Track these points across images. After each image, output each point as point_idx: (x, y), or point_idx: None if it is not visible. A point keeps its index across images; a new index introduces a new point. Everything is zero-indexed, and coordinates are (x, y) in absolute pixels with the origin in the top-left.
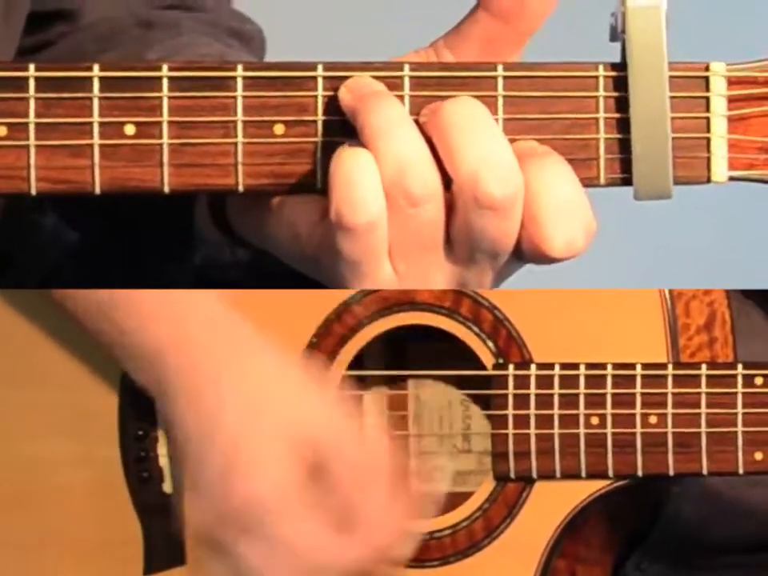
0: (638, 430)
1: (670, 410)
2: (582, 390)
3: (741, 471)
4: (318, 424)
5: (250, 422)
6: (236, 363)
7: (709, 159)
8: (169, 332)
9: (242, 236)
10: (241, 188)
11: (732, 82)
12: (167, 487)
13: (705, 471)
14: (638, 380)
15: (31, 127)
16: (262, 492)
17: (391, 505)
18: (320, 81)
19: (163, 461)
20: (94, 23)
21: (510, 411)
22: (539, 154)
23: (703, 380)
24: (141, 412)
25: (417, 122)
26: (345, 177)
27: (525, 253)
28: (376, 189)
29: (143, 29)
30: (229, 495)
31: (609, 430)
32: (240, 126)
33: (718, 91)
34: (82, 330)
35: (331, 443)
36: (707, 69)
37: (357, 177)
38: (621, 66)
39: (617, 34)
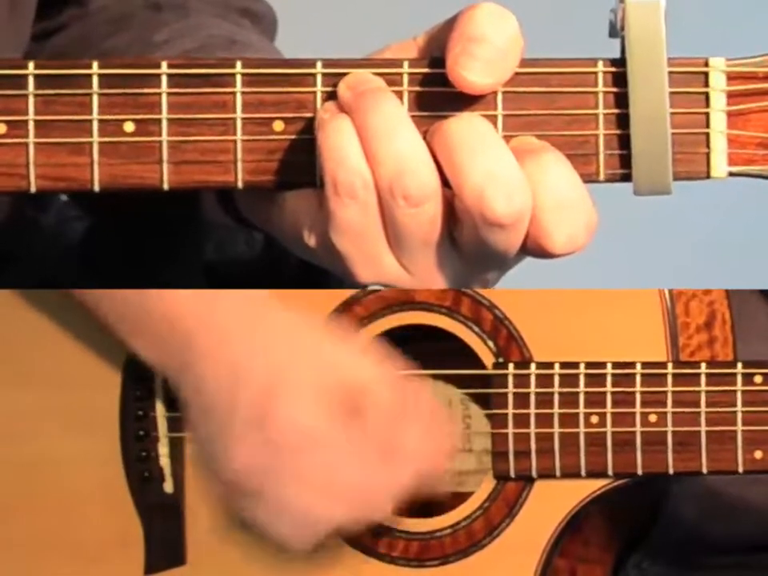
0: (638, 428)
1: (669, 408)
2: (581, 388)
3: (740, 470)
4: (351, 368)
5: (283, 367)
6: (263, 318)
7: (708, 155)
8: (180, 301)
9: (251, 222)
10: (240, 185)
11: (731, 78)
12: (168, 487)
13: (704, 470)
14: (638, 379)
15: (30, 124)
16: (301, 426)
17: (428, 433)
18: (319, 77)
19: (164, 461)
20: (104, 6)
21: (510, 410)
22: (537, 149)
23: (703, 379)
24: (142, 412)
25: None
26: (336, 153)
27: (527, 249)
28: (361, 155)
29: (152, 11)
30: (272, 424)
31: (608, 429)
32: (239, 122)
33: (718, 87)
34: (94, 312)
35: (365, 384)
36: (706, 64)
37: (347, 151)
38: (620, 62)
39: (616, 29)
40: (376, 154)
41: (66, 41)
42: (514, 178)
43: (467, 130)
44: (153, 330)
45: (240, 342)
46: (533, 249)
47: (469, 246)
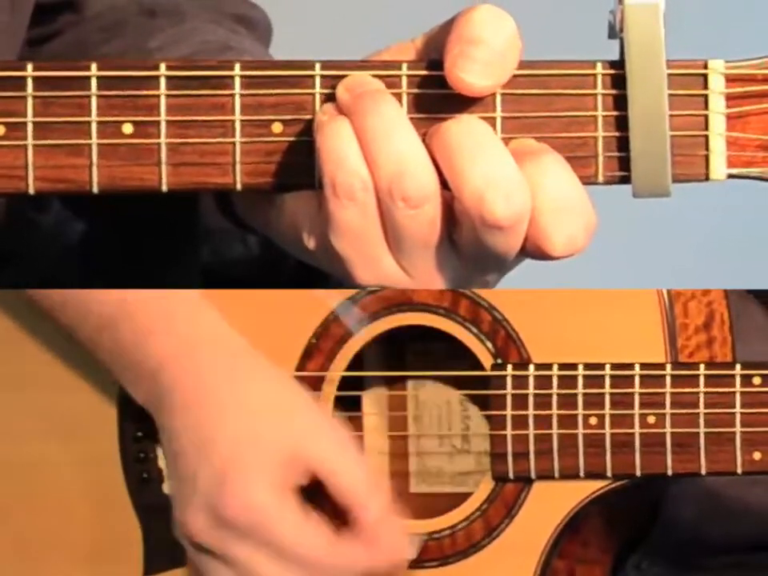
0: (637, 430)
1: (668, 410)
2: (580, 390)
3: (739, 471)
4: (314, 439)
5: (246, 435)
6: (233, 378)
7: (707, 157)
8: (166, 347)
9: (250, 225)
10: (239, 187)
11: (730, 80)
12: (167, 488)
13: (703, 471)
14: (637, 380)
15: (29, 126)
16: (257, 499)
17: (390, 509)
18: (317, 79)
19: (162, 462)
20: (99, 13)
21: (509, 411)
22: (536, 151)
23: (701, 380)
24: (140, 413)
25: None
26: (334, 155)
27: (526, 251)
28: (360, 157)
29: (147, 17)
30: (225, 503)
31: (607, 430)
32: (238, 124)
33: (717, 89)
34: (79, 344)
35: (328, 457)
36: (706, 66)
37: (345, 153)
38: (619, 64)
39: (615, 31)
40: (375, 155)
41: (61, 47)
42: (514, 180)
43: (466, 132)
44: (137, 371)
45: (211, 407)
46: (532, 251)
47: (468, 247)
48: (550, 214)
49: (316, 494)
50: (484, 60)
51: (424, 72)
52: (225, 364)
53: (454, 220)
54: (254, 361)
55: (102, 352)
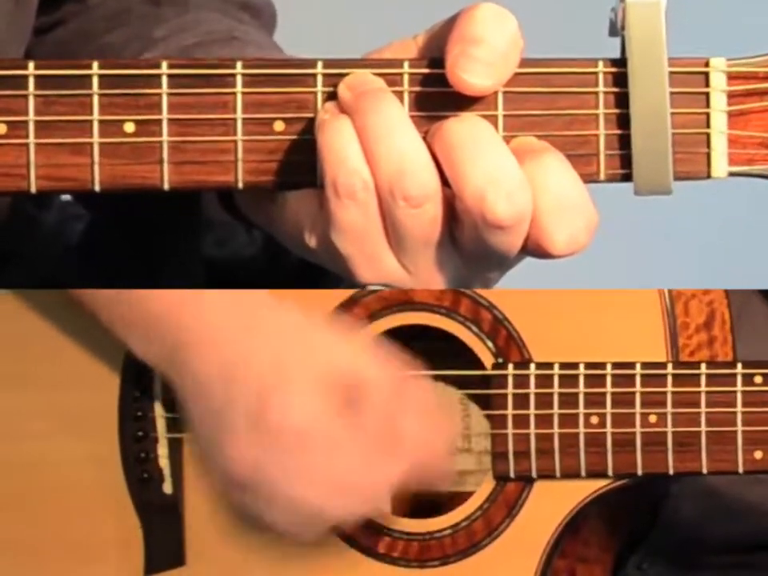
0: (638, 429)
1: (669, 409)
2: (581, 389)
3: (740, 470)
4: (349, 361)
5: (279, 363)
6: (258, 315)
7: (709, 155)
8: (183, 298)
9: (252, 221)
10: (241, 185)
11: (732, 78)
12: (167, 488)
13: (704, 470)
14: (638, 379)
15: (31, 125)
16: (299, 420)
17: (427, 427)
18: (319, 77)
19: (163, 461)
20: (103, 2)
21: (510, 411)
22: (537, 150)
23: (703, 379)
24: (141, 412)
25: (415, 121)
26: (336, 154)
27: (528, 249)
28: (361, 156)
29: (151, 5)
30: (271, 414)
31: (608, 430)
32: (240, 123)
33: (718, 86)
34: (91, 312)
35: (363, 376)
36: (707, 64)
37: (346, 153)
38: (621, 62)
39: (616, 29)
40: (376, 154)
41: (65, 36)
42: (515, 179)
43: (468, 131)
44: (148, 328)
45: (234, 339)
46: (533, 249)
47: (469, 246)
48: (551, 213)
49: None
50: (485, 60)
51: (425, 70)
52: (239, 300)
53: (456, 219)
54: (277, 302)
55: (114, 320)
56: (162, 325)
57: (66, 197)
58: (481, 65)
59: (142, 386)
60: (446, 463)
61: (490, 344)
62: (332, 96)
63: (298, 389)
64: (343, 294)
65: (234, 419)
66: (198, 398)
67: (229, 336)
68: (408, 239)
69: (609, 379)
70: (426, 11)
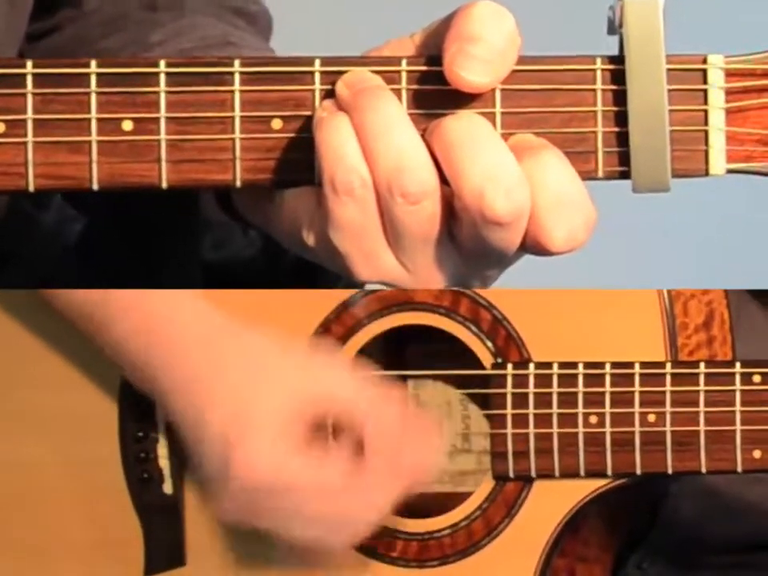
0: (637, 428)
1: (668, 408)
2: (580, 388)
3: (739, 469)
4: (319, 382)
5: (241, 406)
6: (226, 345)
7: (707, 152)
8: (161, 331)
9: (249, 221)
10: (239, 183)
11: (730, 74)
12: (167, 488)
13: (703, 469)
14: (637, 378)
15: (29, 124)
16: (266, 471)
17: (408, 441)
18: (317, 75)
19: (163, 462)
20: (98, 8)
21: (509, 410)
22: (535, 147)
23: (701, 378)
24: (141, 413)
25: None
26: (334, 151)
27: (526, 247)
28: (359, 154)
29: (148, 11)
30: (234, 476)
31: (607, 429)
32: (237, 121)
33: (716, 83)
34: (81, 334)
35: (338, 395)
36: (705, 61)
37: (344, 150)
38: (619, 59)
39: (615, 27)
40: (374, 152)
41: (60, 42)
42: (513, 176)
43: (466, 128)
44: (133, 358)
45: (199, 382)
46: (532, 246)
47: (468, 244)
48: (549, 210)
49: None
50: (483, 57)
51: (423, 68)
52: (207, 338)
53: (454, 216)
54: (236, 329)
55: (102, 342)
56: (145, 358)
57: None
58: (478, 62)
59: None
60: (433, 474)
61: (489, 344)
62: (330, 94)
63: (259, 436)
64: (343, 294)
65: (210, 478)
66: (183, 436)
67: (199, 376)
68: (406, 236)
69: (608, 379)
70: (423, 10)
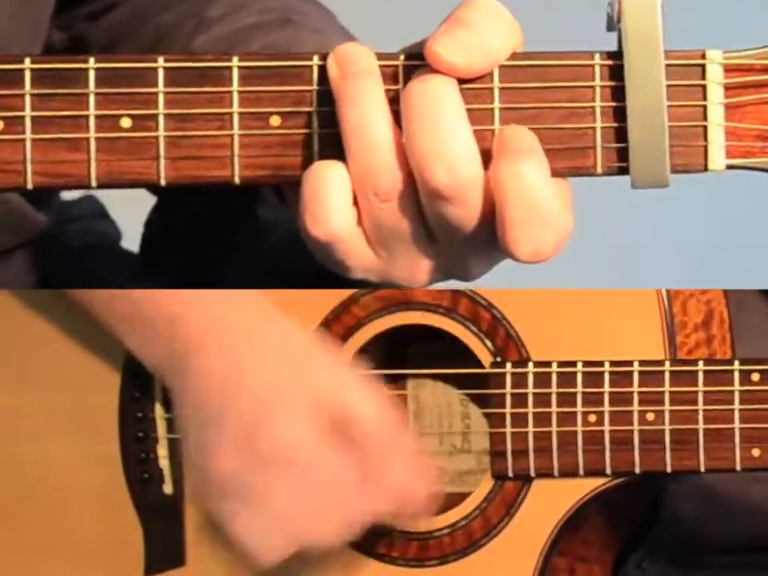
0: (636, 427)
1: (667, 406)
2: (579, 387)
3: (738, 468)
4: (340, 388)
5: (278, 382)
6: (263, 328)
7: (706, 147)
8: (181, 300)
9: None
10: (237, 180)
11: (729, 70)
12: (167, 488)
13: (702, 468)
14: (635, 377)
15: (27, 121)
16: (288, 442)
17: (410, 466)
18: (315, 72)
19: (163, 462)
20: None
21: (508, 410)
22: (518, 151)
23: (700, 377)
24: (141, 413)
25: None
26: (311, 192)
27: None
28: (340, 204)
29: None
30: (263, 437)
31: (606, 428)
32: (236, 117)
33: (715, 79)
34: (90, 311)
35: (353, 404)
36: (703, 57)
37: (321, 193)
38: (617, 55)
39: (613, 23)
40: (350, 150)
41: (119, 18)
42: (460, 149)
43: (422, 95)
44: (154, 329)
45: (238, 351)
46: (503, 249)
47: (430, 221)
48: (518, 223)
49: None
50: (464, 41)
51: (421, 63)
52: (245, 312)
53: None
54: (276, 314)
55: (115, 318)
56: (170, 328)
57: (67, 196)
58: (459, 44)
59: (143, 387)
60: (423, 507)
61: (488, 343)
62: (328, 90)
63: (290, 413)
64: (342, 294)
65: (224, 429)
66: (193, 403)
67: (231, 347)
68: (384, 231)
69: (606, 377)
70: (424, 11)
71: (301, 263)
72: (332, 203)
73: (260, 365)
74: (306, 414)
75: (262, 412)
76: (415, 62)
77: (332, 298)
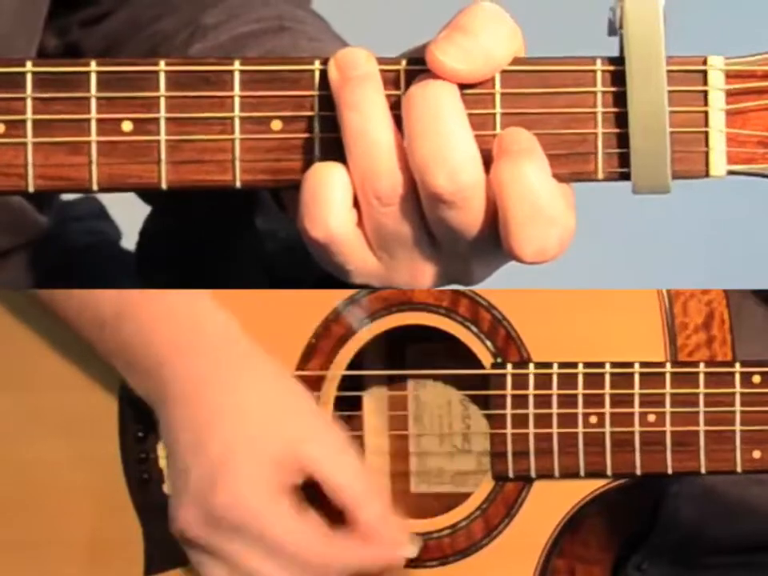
0: (637, 428)
1: (668, 408)
2: (580, 389)
3: (739, 470)
4: (310, 440)
5: (240, 436)
6: (233, 378)
7: (707, 153)
8: (170, 343)
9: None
10: (238, 184)
11: (730, 76)
12: (167, 488)
13: (703, 470)
14: (636, 379)
15: (29, 124)
16: (248, 498)
17: (388, 508)
18: (317, 77)
19: (163, 462)
20: None
21: (509, 411)
22: (520, 151)
23: (701, 378)
24: (141, 413)
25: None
26: (310, 192)
27: (503, 250)
28: (339, 204)
29: None
30: (216, 500)
31: (607, 429)
32: (237, 122)
33: (716, 85)
34: (81, 339)
35: (323, 458)
36: (705, 63)
37: (320, 193)
38: (619, 61)
39: (615, 28)
40: (351, 154)
41: (115, 26)
42: (461, 153)
43: (424, 98)
44: (140, 367)
45: (210, 403)
46: (507, 252)
47: (433, 226)
48: (522, 224)
49: (314, 495)
50: (464, 47)
51: (422, 68)
52: (227, 363)
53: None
54: (257, 361)
55: (104, 348)
56: (156, 373)
57: (67, 197)
58: (459, 50)
59: None
60: (403, 548)
61: (489, 344)
62: (329, 95)
63: (247, 472)
64: (342, 294)
65: (189, 483)
66: (170, 450)
67: (207, 401)
68: (384, 235)
69: (607, 379)
70: (424, 12)
71: (300, 271)
72: (331, 203)
73: (229, 419)
74: (265, 473)
75: (221, 471)
76: (416, 67)
77: (333, 298)
